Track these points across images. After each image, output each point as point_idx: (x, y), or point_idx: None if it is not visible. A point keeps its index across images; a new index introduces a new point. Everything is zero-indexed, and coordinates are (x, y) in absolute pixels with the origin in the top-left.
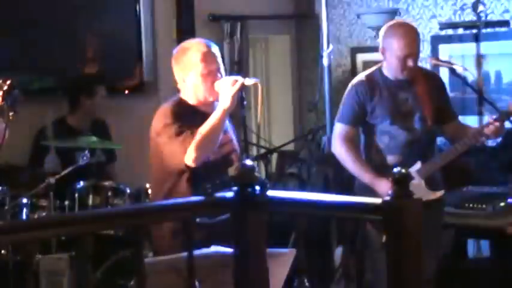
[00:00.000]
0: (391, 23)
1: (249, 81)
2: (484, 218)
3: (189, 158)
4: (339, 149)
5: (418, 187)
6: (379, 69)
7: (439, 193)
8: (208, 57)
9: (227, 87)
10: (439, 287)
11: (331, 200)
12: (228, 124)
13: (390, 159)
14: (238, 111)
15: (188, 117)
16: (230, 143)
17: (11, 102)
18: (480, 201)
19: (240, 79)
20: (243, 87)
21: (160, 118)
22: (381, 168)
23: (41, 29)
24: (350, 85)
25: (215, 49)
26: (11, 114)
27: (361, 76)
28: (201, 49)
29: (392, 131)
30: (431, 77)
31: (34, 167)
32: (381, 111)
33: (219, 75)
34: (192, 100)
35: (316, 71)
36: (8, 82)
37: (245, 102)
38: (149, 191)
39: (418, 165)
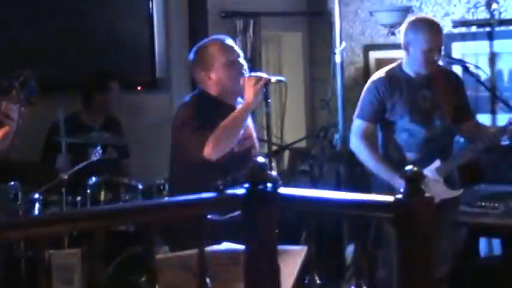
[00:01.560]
0: (414, 17)
1: (275, 79)
2: (496, 216)
3: (208, 152)
4: (358, 145)
5: (437, 185)
6: (399, 66)
7: (458, 192)
8: (226, 47)
9: (252, 83)
10: (451, 285)
11: (343, 198)
12: (250, 121)
13: (409, 156)
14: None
15: (211, 109)
16: (251, 138)
17: (26, 93)
18: (493, 200)
19: (265, 76)
20: (268, 84)
21: (182, 113)
22: (399, 166)
23: (56, 24)
24: (370, 81)
25: (230, 40)
26: (24, 107)
27: (381, 72)
28: (217, 42)
29: (411, 128)
30: (451, 76)
31: (46, 163)
32: (400, 108)
33: (241, 63)
34: (215, 92)
35: (329, 68)
36: (25, 73)
37: (270, 100)
38: (161, 187)
39: (437, 163)
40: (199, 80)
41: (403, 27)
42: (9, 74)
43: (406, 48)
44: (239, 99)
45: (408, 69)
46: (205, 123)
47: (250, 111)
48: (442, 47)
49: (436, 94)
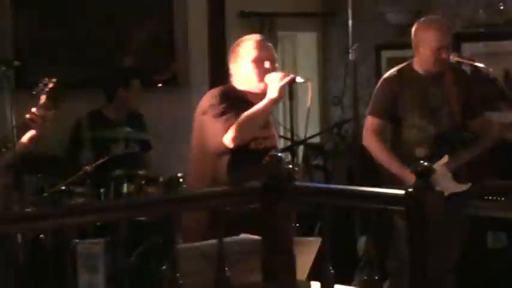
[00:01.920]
0: (424, 18)
1: (300, 79)
2: (502, 210)
3: (228, 138)
4: (370, 141)
5: (446, 180)
6: (410, 64)
7: (465, 186)
8: (261, 45)
9: (277, 79)
10: (459, 275)
11: (355, 191)
12: (271, 122)
13: (418, 151)
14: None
15: (235, 102)
16: (273, 138)
17: (54, 100)
18: (499, 194)
19: (290, 74)
20: (292, 83)
21: (208, 98)
22: (409, 161)
23: (80, 24)
24: (381, 79)
25: (269, 42)
26: (52, 111)
27: (392, 71)
28: (254, 38)
29: (420, 125)
30: (460, 74)
31: (72, 157)
32: (410, 105)
33: (271, 64)
34: (241, 87)
35: (342, 67)
36: (54, 80)
37: (293, 99)
38: (181, 180)
39: (445, 158)
40: (230, 73)
41: (413, 28)
42: (39, 81)
43: (416, 48)
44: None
45: (418, 68)
46: (230, 111)
47: (273, 106)
48: (451, 46)
49: (446, 92)
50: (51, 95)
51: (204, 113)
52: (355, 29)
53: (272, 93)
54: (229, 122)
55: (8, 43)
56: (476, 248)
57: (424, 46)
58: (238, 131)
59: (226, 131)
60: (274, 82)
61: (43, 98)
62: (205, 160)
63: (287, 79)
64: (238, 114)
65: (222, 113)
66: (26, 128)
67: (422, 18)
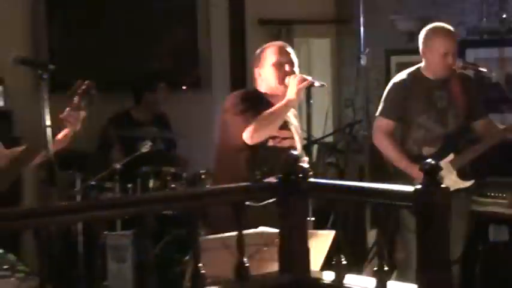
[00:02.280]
0: (431, 25)
1: (318, 83)
2: (504, 206)
3: (247, 134)
4: (380, 140)
5: (451, 177)
6: (418, 69)
7: (469, 182)
8: (281, 50)
9: (296, 82)
10: (463, 266)
11: (366, 187)
12: (294, 123)
13: (425, 150)
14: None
15: (256, 102)
16: (293, 140)
17: (87, 101)
18: (501, 190)
19: (309, 78)
20: (310, 86)
21: (232, 98)
22: (417, 159)
23: (111, 31)
24: (391, 82)
25: (290, 48)
26: (85, 111)
27: (401, 74)
28: (276, 44)
29: (428, 125)
30: (465, 78)
31: (101, 154)
32: (418, 106)
33: (290, 68)
34: (263, 89)
35: (354, 71)
36: (87, 82)
37: (311, 101)
38: (203, 176)
39: (451, 156)
40: (254, 77)
41: (421, 34)
42: (73, 83)
43: (424, 53)
44: None
45: (426, 72)
46: (250, 110)
47: (291, 107)
48: (456, 52)
49: (452, 94)
50: (84, 96)
51: (226, 110)
52: (367, 36)
53: (291, 94)
54: (250, 120)
55: (44, 49)
56: (478, 241)
57: (431, 52)
58: (257, 128)
59: (246, 127)
60: (294, 84)
61: (76, 99)
62: (226, 156)
63: (305, 83)
64: (258, 113)
65: (243, 111)
66: (60, 127)
67: (430, 26)
